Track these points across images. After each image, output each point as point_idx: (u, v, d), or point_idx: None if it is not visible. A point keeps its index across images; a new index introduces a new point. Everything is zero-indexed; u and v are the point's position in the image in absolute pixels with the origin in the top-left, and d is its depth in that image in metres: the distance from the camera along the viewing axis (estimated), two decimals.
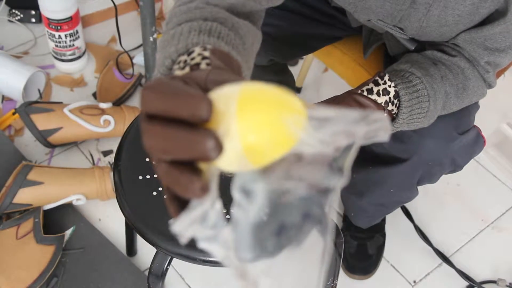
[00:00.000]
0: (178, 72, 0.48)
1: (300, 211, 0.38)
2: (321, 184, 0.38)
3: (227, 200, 0.40)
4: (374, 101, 0.77)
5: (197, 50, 0.50)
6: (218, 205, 0.37)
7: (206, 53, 0.48)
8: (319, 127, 0.37)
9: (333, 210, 0.38)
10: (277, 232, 0.38)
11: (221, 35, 0.53)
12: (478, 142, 0.96)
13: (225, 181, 0.39)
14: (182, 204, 0.37)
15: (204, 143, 0.34)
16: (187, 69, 0.47)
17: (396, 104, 0.78)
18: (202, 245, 0.37)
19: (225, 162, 0.36)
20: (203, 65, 0.47)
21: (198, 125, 0.35)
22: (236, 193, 0.37)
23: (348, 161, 0.38)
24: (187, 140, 0.34)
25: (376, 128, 0.37)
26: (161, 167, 0.36)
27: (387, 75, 0.79)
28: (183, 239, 0.36)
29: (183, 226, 0.36)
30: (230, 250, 0.38)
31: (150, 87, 0.36)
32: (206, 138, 0.34)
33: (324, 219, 0.38)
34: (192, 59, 0.49)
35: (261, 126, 0.35)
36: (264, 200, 0.37)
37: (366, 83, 0.79)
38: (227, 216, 0.80)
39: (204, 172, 0.36)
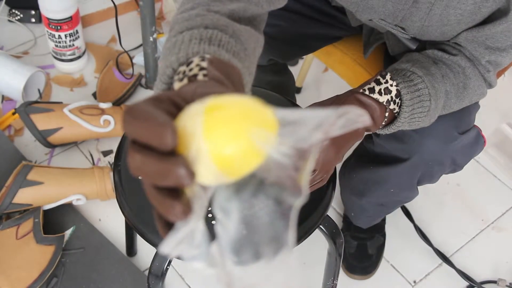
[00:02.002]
0: (177, 84, 0.49)
1: (268, 228, 0.40)
2: (285, 201, 0.39)
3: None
4: (376, 100, 0.77)
5: (196, 60, 0.50)
6: (201, 224, 0.38)
7: (204, 64, 0.49)
8: (290, 134, 0.38)
9: (294, 227, 0.40)
10: (254, 246, 0.40)
11: (222, 43, 0.53)
12: (478, 142, 0.96)
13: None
14: (168, 222, 0.39)
15: (175, 172, 0.35)
16: (185, 80, 0.48)
17: (398, 103, 0.78)
18: (189, 263, 0.39)
19: (203, 178, 0.37)
20: (200, 76, 0.47)
21: (170, 150, 0.36)
22: (216, 211, 0.39)
23: (305, 175, 0.39)
24: (159, 169, 0.36)
25: (351, 122, 0.38)
26: (146, 188, 0.38)
27: (388, 74, 0.79)
28: (172, 257, 0.38)
29: (170, 247, 0.37)
30: (217, 265, 0.39)
31: (127, 111, 0.37)
32: (176, 167, 0.35)
33: (286, 237, 0.39)
34: (191, 70, 0.49)
35: (227, 143, 0.36)
36: (239, 217, 0.39)
37: (368, 82, 0.79)
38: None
39: (185, 193, 0.37)
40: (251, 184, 0.39)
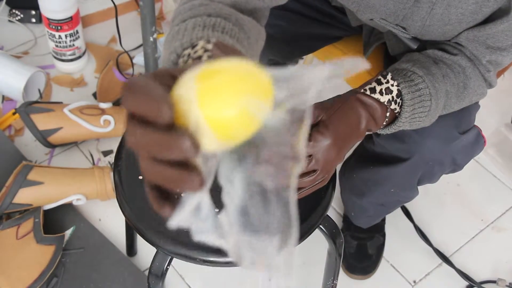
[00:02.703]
0: (181, 65, 0.49)
1: (271, 196, 0.39)
2: (286, 169, 0.39)
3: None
4: (377, 100, 0.77)
5: (201, 43, 0.50)
6: (207, 197, 0.38)
7: (209, 46, 0.49)
8: (285, 94, 0.37)
9: (294, 200, 0.40)
10: (260, 213, 0.39)
11: (225, 30, 0.54)
12: (478, 142, 0.96)
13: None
14: (163, 194, 0.38)
15: (181, 145, 0.35)
16: (190, 62, 0.48)
17: (399, 103, 0.78)
18: (197, 237, 0.38)
19: (204, 145, 0.37)
20: (204, 58, 0.48)
21: (168, 123, 0.36)
22: (222, 181, 0.39)
23: (302, 139, 0.38)
24: (163, 141, 0.35)
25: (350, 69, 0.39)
26: (148, 164, 0.37)
27: (389, 74, 0.79)
28: (172, 226, 0.38)
29: (178, 221, 0.37)
30: (226, 237, 0.39)
31: (125, 86, 0.37)
32: (181, 139, 0.35)
33: (289, 208, 0.39)
34: (195, 52, 0.49)
35: (221, 109, 0.35)
36: (242, 186, 0.38)
37: (369, 82, 0.79)
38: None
39: (193, 163, 0.37)
40: (252, 152, 0.39)
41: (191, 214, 0.37)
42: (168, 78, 0.40)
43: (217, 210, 0.38)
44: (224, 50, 0.48)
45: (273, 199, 0.39)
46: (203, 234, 0.38)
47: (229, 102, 0.35)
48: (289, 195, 0.39)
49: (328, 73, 0.37)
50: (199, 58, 0.48)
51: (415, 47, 0.88)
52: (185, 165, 0.36)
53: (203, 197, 0.37)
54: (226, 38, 0.53)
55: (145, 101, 0.35)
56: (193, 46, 0.51)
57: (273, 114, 0.37)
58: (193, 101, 0.35)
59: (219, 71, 0.36)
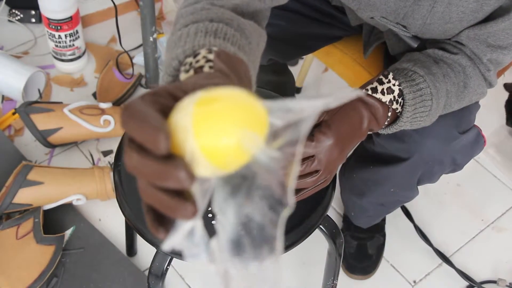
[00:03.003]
0: (183, 75, 0.49)
1: (261, 230, 0.41)
2: (274, 206, 0.40)
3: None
4: (379, 100, 0.77)
5: (203, 52, 0.50)
6: (199, 223, 0.39)
7: (211, 56, 0.49)
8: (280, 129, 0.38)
9: (281, 236, 0.41)
10: (250, 246, 0.40)
11: (227, 36, 0.54)
12: (478, 141, 0.96)
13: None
14: (159, 216, 0.39)
15: (176, 175, 0.35)
16: (191, 72, 0.48)
17: (400, 102, 0.78)
18: (189, 260, 0.39)
19: (199, 173, 0.38)
20: (206, 68, 0.48)
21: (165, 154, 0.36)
22: (215, 209, 0.40)
23: (292, 181, 0.39)
24: (158, 171, 0.36)
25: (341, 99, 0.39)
26: (145, 188, 0.38)
27: (391, 74, 0.79)
28: (166, 249, 0.39)
29: (171, 244, 0.38)
30: (217, 262, 0.40)
31: (125, 109, 0.37)
32: (176, 170, 0.35)
33: (274, 241, 0.40)
34: (197, 61, 0.49)
35: (215, 139, 0.36)
36: (235, 218, 0.40)
37: (370, 82, 0.79)
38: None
39: (187, 191, 0.38)
40: (244, 186, 0.40)
41: (184, 238, 0.38)
42: (168, 98, 0.40)
43: (209, 235, 0.40)
44: (226, 60, 0.49)
45: (261, 232, 0.40)
46: (194, 258, 0.39)
47: (225, 132, 0.36)
48: (275, 231, 0.40)
49: (322, 106, 0.38)
50: (201, 68, 0.48)
51: (416, 45, 0.88)
52: (180, 193, 0.37)
53: (196, 223, 0.38)
54: (227, 46, 0.53)
55: (143, 129, 0.36)
56: (195, 55, 0.51)
57: (266, 150, 0.37)
58: (189, 130, 0.36)
59: (216, 100, 0.37)
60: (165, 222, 0.39)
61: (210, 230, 0.39)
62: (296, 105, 0.38)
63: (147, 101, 0.39)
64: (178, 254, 0.84)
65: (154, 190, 0.37)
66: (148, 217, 0.39)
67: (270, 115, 0.38)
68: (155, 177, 0.36)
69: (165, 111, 0.38)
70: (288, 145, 0.39)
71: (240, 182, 0.40)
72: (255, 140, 0.37)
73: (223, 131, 0.36)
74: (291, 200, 0.39)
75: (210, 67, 0.48)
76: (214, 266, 0.40)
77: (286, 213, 0.39)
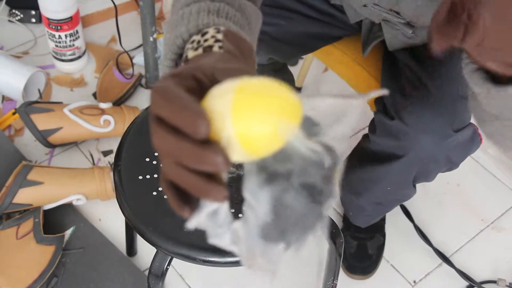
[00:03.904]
0: (190, 52, 0.50)
1: (298, 219, 0.41)
2: (316, 194, 0.40)
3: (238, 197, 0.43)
4: None
5: (211, 32, 0.51)
6: (226, 204, 0.40)
7: (219, 36, 0.50)
8: (317, 128, 0.39)
9: (327, 221, 0.41)
10: (281, 234, 0.41)
11: (229, 16, 0.55)
12: (474, 139, 0.95)
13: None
14: (182, 194, 0.39)
15: (213, 159, 0.36)
16: (200, 50, 0.49)
17: None
18: (211, 240, 0.40)
19: (233, 158, 0.39)
20: (215, 48, 0.49)
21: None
22: (246, 195, 0.40)
23: (337, 174, 0.40)
24: (196, 154, 0.37)
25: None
26: (173, 168, 0.38)
27: None
28: (190, 227, 0.39)
29: (196, 223, 0.39)
30: (240, 244, 0.40)
31: (158, 91, 0.38)
32: (215, 155, 0.36)
33: (318, 229, 0.41)
34: (206, 40, 0.50)
35: (254, 127, 0.37)
36: (269, 205, 0.40)
37: None
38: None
39: (218, 174, 0.39)
40: (283, 174, 0.40)
41: (208, 217, 0.39)
42: (191, 80, 0.41)
43: (233, 217, 0.40)
44: (233, 40, 0.49)
45: (300, 221, 0.41)
46: (217, 238, 0.40)
47: (262, 121, 0.37)
48: (313, 220, 0.41)
49: (358, 103, 0.39)
50: (210, 47, 0.49)
51: (410, 31, 0.87)
52: (212, 176, 0.38)
53: (222, 204, 0.39)
54: (230, 25, 0.53)
55: (183, 113, 0.37)
56: (203, 34, 0.51)
57: (306, 142, 0.38)
58: (227, 117, 0.37)
59: (254, 90, 0.38)
60: (189, 201, 0.40)
61: (234, 211, 0.39)
62: (328, 100, 0.39)
63: (176, 82, 0.40)
64: (178, 254, 0.84)
65: (184, 171, 0.38)
66: (171, 195, 0.40)
67: (304, 105, 0.39)
68: (190, 160, 0.37)
69: (190, 93, 0.40)
70: (334, 140, 0.39)
71: (278, 170, 0.40)
72: (290, 128, 0.38)
73: (261, 120, 0.37)
74: (336, 192, 0.40)
75: (220, 47, 0.49)
76: (236, 248, 0.41)
77: (331, 203, 0.40)
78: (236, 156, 0.38)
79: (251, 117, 0.37)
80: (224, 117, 0.37)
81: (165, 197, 0.90)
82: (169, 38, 0.55)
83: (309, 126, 0.40)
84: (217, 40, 0.49)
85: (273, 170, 0.40)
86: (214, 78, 0.42)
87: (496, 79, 0.57)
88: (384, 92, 0.40)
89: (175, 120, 0.37)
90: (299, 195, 0.40)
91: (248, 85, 0.38)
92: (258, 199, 0.40)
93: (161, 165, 0.41)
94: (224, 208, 0.40)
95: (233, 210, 0.39)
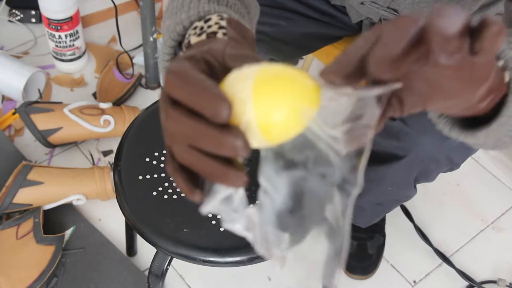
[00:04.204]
0: (193, 38, 0.49)
1: (319, 208, 0.40)
2: (336, 183, 0.39)
3: (253, 183, 0.42)
4: None
5: (214, 18, 0.51)
6: (242, 190, 0.39)
7: (223, 23, 0.50)
8: (335, 114, 0.38)
9: (349, 214, 0.40)
10: (298, 223, 0.40)
11: (229, 4, 0.55)
12: None
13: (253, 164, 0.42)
14: (191, 175, 0.39)
15: (234, 144, 0.35)
16: (203, 36, 0.49)
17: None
18: (226, 225, 0.40)
19: (252, 143, 0.38)
20: (219, 35, 0.48)
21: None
22: (262, 181, 0.39)
23: (362, 163, 0.39)
24: (215, 138, 0.36)
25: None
26: (187, 151, 0.37)
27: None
28: (204, 212, 0.39)
29: (210, 208, 0.38)
30: (254, 230, 0.40)
31: (175, 73, 0.37)
32: (235, 138, 0.35)
33: (338, 221, 0.40)
34: (209, 26, 0.50)
35: (274, 113, 0.37)
36: (287, 192, 0.39)
37: None
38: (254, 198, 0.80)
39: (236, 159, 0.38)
40: (303, 163, 0.40)
41: (222, 202, 0.38)
42: (204, 64, 0.41)
43: (248, 202, 0.40)
44: (236, 27, 0.49)
45: (320, 211, 0.40)
46: (231, 224, 0.40)
47: (283, 108, 0.37)
48: (341, 212, 0.40)
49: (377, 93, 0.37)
50: (214, 33, 0.49)
51: None
52: (229, 161, 0.37)
53: (238, 190, 0.39)
54: (231, 13, 0.53)
55: (203, 96, 0.36)
56: (206, 20, 0.51)
57: (327, 129, 0.38)
58: (247, 103, 0.36)
59: (274, 76, 0.38)
60: (199, 184, 0.39)
61: (249, 197, 0.39)
62: (347, 90, 0.38)
63: (192, 65, 0.39)
64: (178, 254, 0.84)
65: (200, 155, 0.37)
66: (180, 178, 0.39)
67: (324, 94, 0.39)
68: (210, 144, 0.36)
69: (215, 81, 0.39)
70: (358, 128, 0.38)
71: (296, 157, 0.40)
72: (310, 114, 0.37)
73: (282, 106, 0.37)
74: (360, 180, 0.39)
75: (224, 34, 0.48)
76: (250, 234, 0.40)
77: (356, 192, 0.39)
78: (255, 141, 0.38)
79: (272, 102, 0.37)
80: (245, 102, 0.36)
81: (165, 196, 0.90)
82: (168, 25, 0.55)
83: (332, 114, 0.39)
84: (221, 27, 0.49)
85: (291, 157, 0.39)
86: (225, 62, 0.42)
87: (466, 120, 0.52)
88: (398, 85, 0.38)
89: (194, 103, 0.36)
90: (320, 183, 0.39)
91: (269, 70, 0.38)
92: (275, 186, 0.39)
93: (167, 148, 0.40)
94: (239, 192, 0.39)
95: (247, 195, 0.39)
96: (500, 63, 0.48)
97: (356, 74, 0.37)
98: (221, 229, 0.85)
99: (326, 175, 0.40)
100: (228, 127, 0.36)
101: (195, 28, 0.51)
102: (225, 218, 0.39)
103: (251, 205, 0.40)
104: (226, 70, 0.41)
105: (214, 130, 0.35)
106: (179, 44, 0.54)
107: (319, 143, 0.38)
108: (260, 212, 0.40)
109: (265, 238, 0.40)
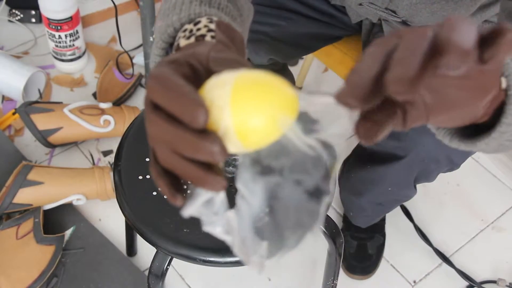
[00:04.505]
0: (182, 41, 0.50)
1: (293, 214, 0.41)
2: (312, 191, 0.40)
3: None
4: None
5: (203, 21, 0.51)
6: (222, 193, 0.39)
7: (212, 26, 0.50)
8: (312, 124, 0.39)
9: (323, 219, 0.41)
10: (275, 229, 0.41)
11: (221, 6, 0.55)
12: None
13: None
14: (174, 181, 0.39)
15: (211, 149, 0.36)
16: (192, 39, 0.49)
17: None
18: (206, 228, 0.40)
19: (229, 149, 0.39)
20: (208, 38, 0.49)
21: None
22: (240, 186, 0.40)
23: (335, 170, 0.39)
24: (192, 143, 0.36)
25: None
26: (169, 155, 0.38)
27: None
28: (186, 215, 0.39)
29: (192, 211, 0.39)
30: (232, 234, 0.40)
31: (156, 78, 0.38)
32: (211, 144, 0.36)
33: (314, 227, 0.40)
34: (198, 29, 0.50)
35: (252, 120, 0.37)
36: (262, 198, 0.40)
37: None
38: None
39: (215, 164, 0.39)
40: (279, 170, 0.40)
41: (203, 205, 0.39)
42: (187, 68, 0.41)
43: (228, 205, 0.40)
44: (225, 30, 0.49)
45: (294, 217, 0.41)
46: (211, 226, 0.40)
47: (260, 115, 0.37)
48: (306, 215, 0.40)
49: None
50: (202, 36, 0.49)
51: None
52: (209, 166, 0.38)
53: (219, 193, 0.39)
54: (222, 15, 0.53)
55: (181, 101, 0.36)
56: (195, 23, 0.51)
57: (303, 137, 0.38)
58: (225, 109, 0.37)
59: (252, 83, 0.38)
60: (181, 188, 0.39)
61: (229, 201, 0.39)
62: (326, 98, 0.38)
63: (173, 70, 0.39)
64: (178, 254, 0.84)
65: (181, 159, 0.37)
66: (163, 182, 0.39)
67: (302, 101, 0.39)
68: (187, 149, 0.36)
69: (187, 81, 0.39)
70: (332, 138, 0.39)
71: (273, 164, 0.40)
72: (287, 122, 0.38)
73: (259, 113, 0.37)
74: (332, 189, 0.39)
75: (212, 37, 0.49)
76: (229, 237, 0.40)
77: (328, 200, 0.40)
78: (232, 147, 0.38)
79: (249, 109, 0.37)
80: (222, 108, 0.37)
81: (165, 196, 0.90)
82: (160, 26, 0.55)
83: (307, 122, 0.39)
84: (209, 30, 0.49)
85: (267, 163, 0.40)
86: (209, 66, 0.42)
87: (465, 129, 0.51)
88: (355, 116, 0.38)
89: (173, 108, 0.37)
90: (295, 190, 0.40)
91: (247, 77, 0.38)
92: (251, 191, 0.40)
93: (151, 152, 0.40)
94: (220, 196, 0.39)
95: (228, 199, 0.39)
96: None
97: (371, 95, 0.36)
98: None
99: (301, 182, 0.40)
100: (205, 133, 0.36)
101: (184, 30, 0.51)
102: (206, 220, 0.40)
103: (231, 209, 0.40)
104: (210, 73, 0.42)
105: (192, 136, 0.36)
106: (171, 45, 0.54)
107: (295, 150, 0.38)
108: (238, 216, 0.40)
109: (243, 243, 0.40)
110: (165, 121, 0.37)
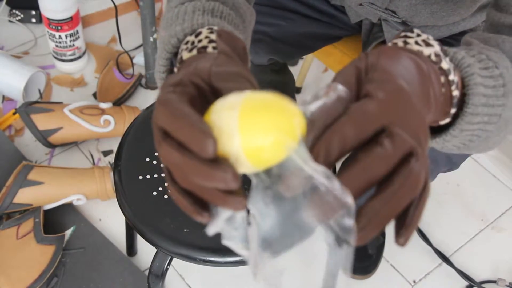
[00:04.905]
0: (185, 53, 0.50)
1: (299, 239, 0.42)
2: (327, 220, 0.40)
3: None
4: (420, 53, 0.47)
5: (204, 32, 0.51)
6: (243, 211, 0.40)
7: (213, 36, 0.50)
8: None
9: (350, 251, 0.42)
10: (285, 248, 0.42)
11: (223, 15, 0.55)
12: None
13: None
14: (198, 200, 0.40)
15: (223, 177, 0.36)
16: (194, 51, 0.49)
17: (458, 84, 0.48)
18: (225, 242, 0.41)
19: (240, 171, 0.39)
20: (209, 49, 0.49)
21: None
22: (251, 208, 0.40)
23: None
24: (204, 173, 0.37)
25: None
26: (185, 180, 0.39)
27: (418, 29, 0.50)
28: (211, 233, 0.40)
29: (216, 228, 0.40)
30: (249, 249, 0.41)
31: (163, 104, 0.39)
32: (224, 173, 0.36)
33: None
34: (200, 41, 0.50)
35: (261, 143, 0.38)
36: (274, 221, 0.40)
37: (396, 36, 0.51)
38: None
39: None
40: (293, 198, 0.40)
41: (225, 221, 0.40)
42: (192, 87, 0.42)
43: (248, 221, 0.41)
44: (227, 40, 0.50)
45: (299, 234, 0.42)
46: (231, 241, 0.41)
47: (270, 139, 0.38)
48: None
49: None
50: (204, 48, 0.49)
51: None
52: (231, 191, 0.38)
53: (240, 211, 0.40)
54: (224, 25, 0.54)
55: (189, 131, 0.37)
56: (196, 34, 0.51)
57: (311, 163, 0.39)
58: (235, 135, 0.37)
59: (259, 107, 0.39)
60: (206, 205, 0.40)
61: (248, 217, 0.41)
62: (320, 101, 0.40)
63: (179, 94, 0.40)
64: (178, 254, 0.84)
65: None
66: (186, 202, 0.40)
67: (305, 111, 0.41)
68: (199, 178, 0.37)
69: (192, 102, 0.40)
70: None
71: (281, 187, 0.41)
72: (295, 145, 0.39)
73: (268, 137, 0.38)
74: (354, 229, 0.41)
75: (214, 48, 0.49)
76: (247, 253, 0.41)
77: (353, 242, 0.42)
78: (243, 169, 0.39)
79: (259, 134, 0.38)
80: (231, 134, 0.38)
81: (165, 196, 0.90)
82: (163, 36, 0.55)
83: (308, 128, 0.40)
84: (211, 41, 0.50)
85: (277, 185, 0.40)
86: (212, 82, 0.43)
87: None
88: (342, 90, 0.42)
89: (182, 138, 0.37)
90: (307, 217, 0.40)
91: (253, 100, 0.39)
92: (264, 215, 0.40)
93: (165, 170, 0.41)
94: (241, 214, 0.40)
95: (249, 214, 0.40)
96: (451, 77, 0.47)
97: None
98: None
99: (314, 213, 0.40)
100: (216, 162, 0.37)
101: (186, 43, 0.51)
102: (226, 235, 0.41)
103: (250, 226, 0.41)
104: (213, 89, 0.43)
105: (203, 165, 0.36)
106: (175, 54, 0.54)
107: (303, 175, 0.39)
108: (252, 234, 0.41)
109: (256, 259, 0.41)
110: (176, 149, 0.37)
